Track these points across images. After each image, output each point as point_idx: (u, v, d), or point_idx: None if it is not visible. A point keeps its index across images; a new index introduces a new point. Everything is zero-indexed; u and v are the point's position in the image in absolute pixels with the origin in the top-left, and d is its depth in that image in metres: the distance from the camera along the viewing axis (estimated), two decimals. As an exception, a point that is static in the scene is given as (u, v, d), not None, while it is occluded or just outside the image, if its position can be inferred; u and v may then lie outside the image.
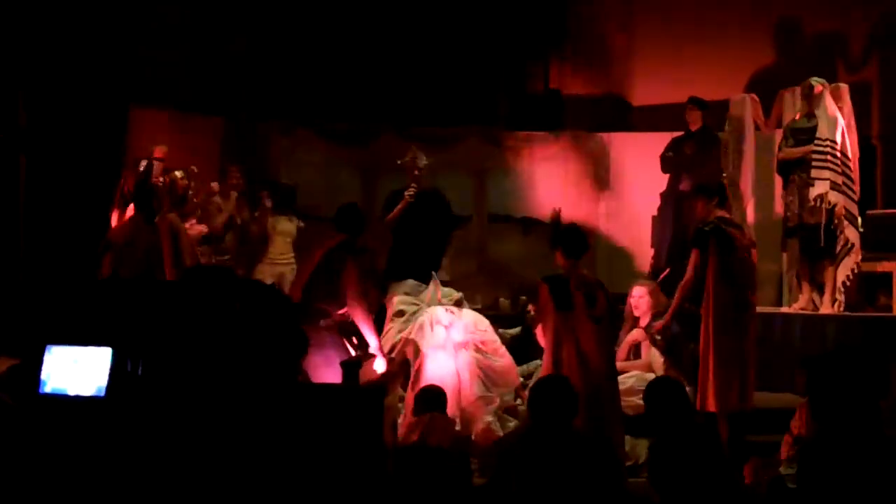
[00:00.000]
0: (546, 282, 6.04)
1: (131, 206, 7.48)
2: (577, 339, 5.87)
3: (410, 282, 7.78)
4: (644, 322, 7.47)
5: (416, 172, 8.02)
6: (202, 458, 4.49)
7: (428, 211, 8.60)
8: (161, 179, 7.90)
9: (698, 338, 6.50)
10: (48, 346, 4.58)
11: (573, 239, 6.16)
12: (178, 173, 8.26)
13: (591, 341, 5.89)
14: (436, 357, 6.90)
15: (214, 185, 9.12)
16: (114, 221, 7.62)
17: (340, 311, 6.21)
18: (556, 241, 6.20)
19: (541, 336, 6.72)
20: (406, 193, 7.99)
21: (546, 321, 6.05)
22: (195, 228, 8.55)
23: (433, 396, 6.12)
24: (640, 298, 7.41)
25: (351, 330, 6.26)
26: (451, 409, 6.40)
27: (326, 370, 5.73)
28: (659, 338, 6.88)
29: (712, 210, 6.61)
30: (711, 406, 6.35)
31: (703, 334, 6.43)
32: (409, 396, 6.60)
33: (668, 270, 9.02)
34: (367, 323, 6.21)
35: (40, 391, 4.56)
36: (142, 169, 7.81)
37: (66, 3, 9.02)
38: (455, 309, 7.26)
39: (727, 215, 6.73)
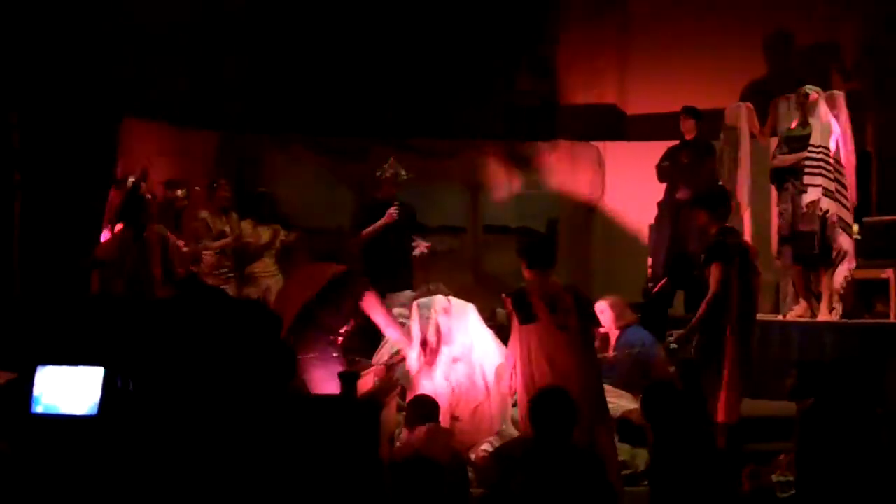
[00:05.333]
0: (508, 296, 5.96)
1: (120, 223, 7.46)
2: (546, 350, 5.72)
3: (408, 293, 7.75)
4: (613, 337, 7.45)
5: (396, 188, 7.85)
6: (196, 474, 4.48)
7: (403, 224, 8.27)
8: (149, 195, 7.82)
9: (711, 349, 6.42)
10: (39, 366, 4.57)
11: (535, 251, 6.08)
12: (179, 192, 8.21)
13: (561, 350, 5.72)
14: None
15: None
16: (104, 240, 7.59)
17: (345, 328, 6.24)
18: (519, 254, 6.09)
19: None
20: (390, 211, 7.90)
21: (512, 335, 5.93)
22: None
23: (426, 406, 6.08)
24: (601, 314, 7.21)
25: (354, 347, 6.25)
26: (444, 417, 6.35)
27: (330, 384, 5.72)
28: (675, 346, 6.71)
29: (716, 221, 6.54)
30: (722, 417, 6.27)
31: (729, 346, 6.31)
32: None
33: (664, 281, 9.02)
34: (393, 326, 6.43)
35: (32, 410, 4.55)
36: (129, 185, 7.75)
37: (59, 16, 9.01)
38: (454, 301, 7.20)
39: (729, 226, 6.69)
